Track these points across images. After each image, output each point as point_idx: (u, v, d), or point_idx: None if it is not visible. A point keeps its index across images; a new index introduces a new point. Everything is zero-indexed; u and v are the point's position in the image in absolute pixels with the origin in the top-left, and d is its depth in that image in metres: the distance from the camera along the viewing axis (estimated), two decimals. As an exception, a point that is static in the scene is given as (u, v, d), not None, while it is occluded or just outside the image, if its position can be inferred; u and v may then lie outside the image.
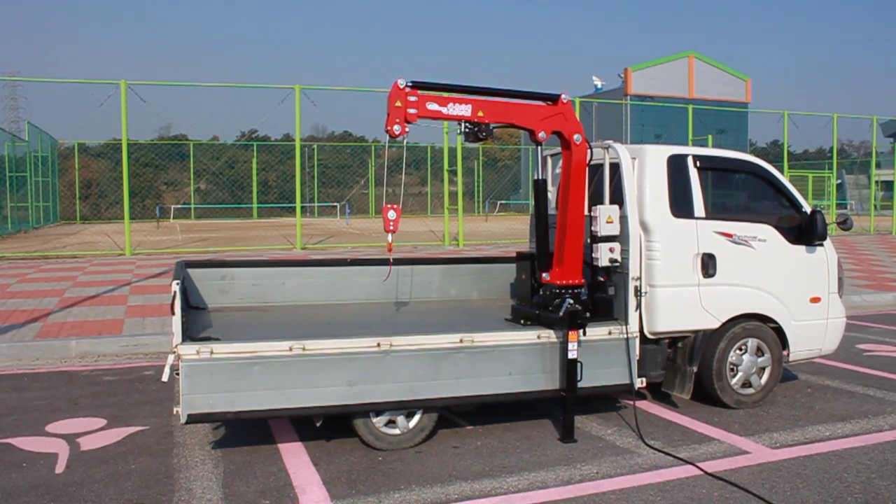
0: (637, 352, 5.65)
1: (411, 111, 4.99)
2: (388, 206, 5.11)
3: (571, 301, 5.40)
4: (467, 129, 5.26)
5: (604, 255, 5.58)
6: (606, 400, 6.28)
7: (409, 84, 5.00)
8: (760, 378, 6.17)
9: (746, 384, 6.13)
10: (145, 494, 4.42)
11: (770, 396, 6.27)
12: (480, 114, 5.17)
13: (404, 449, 5.15)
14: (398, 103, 4.95)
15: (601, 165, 5.89)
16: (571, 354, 5.27)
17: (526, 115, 5.35)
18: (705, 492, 4.47)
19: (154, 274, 13.63)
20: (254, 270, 6.72)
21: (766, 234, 6.15)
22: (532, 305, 5.84)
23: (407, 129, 5.04)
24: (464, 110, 5.14)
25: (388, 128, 4.97)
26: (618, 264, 5.62)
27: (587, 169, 5.49)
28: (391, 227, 5.11)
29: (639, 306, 5.69)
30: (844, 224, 6.64)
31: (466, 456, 5.08)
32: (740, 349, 6.07)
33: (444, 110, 5.12)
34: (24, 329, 8.85)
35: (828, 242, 6.41)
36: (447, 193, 21.37)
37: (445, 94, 5.16)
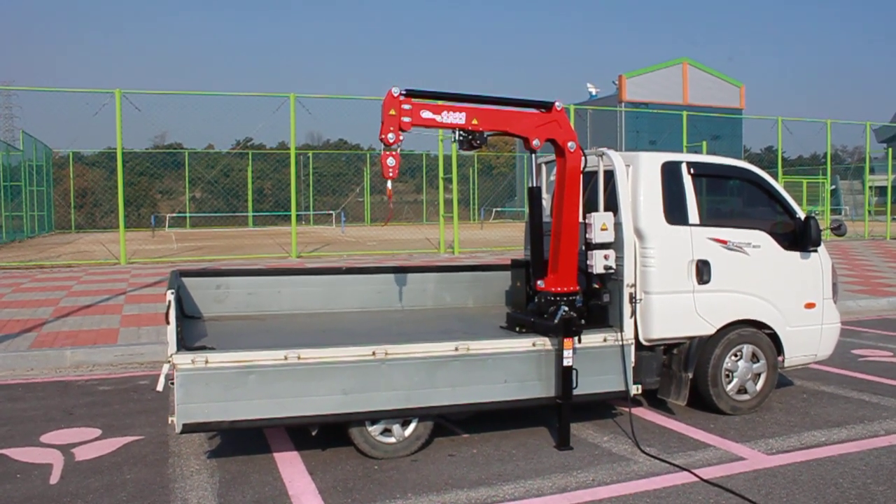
0: (632, 359, 5.66)
1: (406, 119, 5.00)
2: (387, 152, 5.04)
3: (566, 308, 5.40)
4: (461, 137, 5.28)
5: (598, 262, 5.59)
6: (602, 407, 6.27)
7: (404, 92, 5.01)
8: (756, 384, 6.17)
9: (742, 390, 6.13)
10: (140, 505, 4.41)
11: (765, 402, 6.28)
12: (475, 122, 5.19)
13: (400, 457, 5.14)
14: (392, 111, 4.96)
15: (595, 172, 5.91)
16: (567, 362, 5.27)
17: (520, 122, 5.37)
18: (701, 498, 4.47)
19: (149, 283, 13.60)
20: (249, 279, 6.71)
21: (760, 241, 6.17)
22: (527, 313, 5.84)
23: (402, 138, 5.04)
24: (458, 118, 5.15)
25: (383, 136, 4.98)
26: (612, 271, 5.63)
27: (581, 176, 5.51)
28: (390, 174, 5.07)
29: (634, 313, 5.69)
30: (838, 230, 6.66)
31: (462, 464, 5.07)
32: (736, 355, 6.08)
33: (438, 118, 5.13)
34: (19, 339, 8.82)
35: (822, 248, 6.43)
36: (442, 201, 21.38)
37: (440, 103, 5.17)
